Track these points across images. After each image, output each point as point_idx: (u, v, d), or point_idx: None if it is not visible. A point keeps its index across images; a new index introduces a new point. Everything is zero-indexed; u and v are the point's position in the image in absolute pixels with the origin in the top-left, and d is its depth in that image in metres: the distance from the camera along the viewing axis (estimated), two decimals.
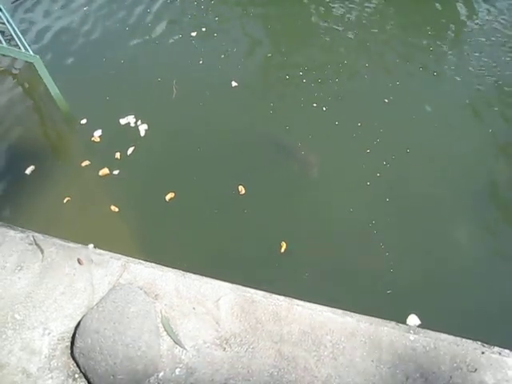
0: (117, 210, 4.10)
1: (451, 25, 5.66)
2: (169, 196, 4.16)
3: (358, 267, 3.70)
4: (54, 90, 4.70)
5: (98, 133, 4.69)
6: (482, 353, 2.44)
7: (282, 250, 3.79)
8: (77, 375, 2.49)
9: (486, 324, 3.32)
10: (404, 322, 3.19)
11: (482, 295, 3.55)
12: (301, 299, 2.74)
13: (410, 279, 3.62)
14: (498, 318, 3.42)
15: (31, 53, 4.47)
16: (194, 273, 2.88)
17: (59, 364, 2.52)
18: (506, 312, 3.45)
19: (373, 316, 2.69)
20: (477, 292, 3.57)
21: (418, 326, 2.89)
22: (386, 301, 3.50)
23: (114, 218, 4.02)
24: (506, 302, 3.50)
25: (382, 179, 4.20)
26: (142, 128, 4.71)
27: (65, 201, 4.16)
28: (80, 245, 3.05)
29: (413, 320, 3.26)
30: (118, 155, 4.49)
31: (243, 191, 4.16)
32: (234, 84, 5.06)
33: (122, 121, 4.78)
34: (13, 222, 3.38)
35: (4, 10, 5.09)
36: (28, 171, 4.42)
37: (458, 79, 5.02)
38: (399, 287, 3.57)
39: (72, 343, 2.54)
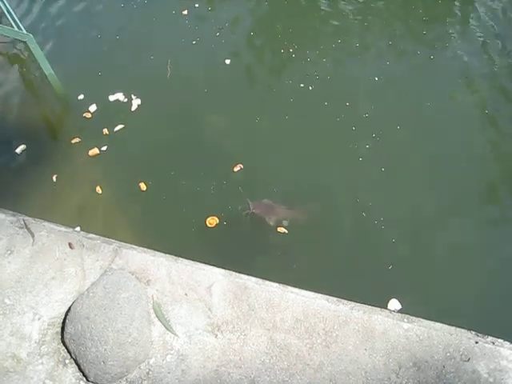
0: (100, 191, 4.05)
1: (447, 10, 5.52)
2: (143, 185, 4.09)
3: (356, 245, 3.69)
4: (47, 68, 4.58)
5: (92, 108, 4.65)
6: (476, 342, 2.43)
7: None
8: (67, 361, 2.47)
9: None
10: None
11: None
12: (294, 286, 2.71)
13: (410, 254, 3.61)
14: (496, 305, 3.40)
15: (24, 31, 4.34)
16: (187, 258, 2.84)
17: (49, 349, 2.50)
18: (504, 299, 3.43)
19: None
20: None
21: (399, 311, 2.89)
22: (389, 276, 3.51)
23: (99, 199, 3.99)
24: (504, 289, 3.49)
25: (373, 152, 4.19)
26: (135, 104, 4.66)
27: (54, 179, 4.13)
28: (71, 229, 3.01)
29: (393, 304, 3.24)
30: (106, 131, 4.46)
31: (238, 168, 4.12)
32: (227, 62, 4.98)
33: (112, 97, 4.73)
34: (2, 202, 3.32)
35: None
36: (18, 150, 4.35)
37: (452, 62, 4.93)
38: (400, 262, 3.55)
39: (62, 329, 2.51)
